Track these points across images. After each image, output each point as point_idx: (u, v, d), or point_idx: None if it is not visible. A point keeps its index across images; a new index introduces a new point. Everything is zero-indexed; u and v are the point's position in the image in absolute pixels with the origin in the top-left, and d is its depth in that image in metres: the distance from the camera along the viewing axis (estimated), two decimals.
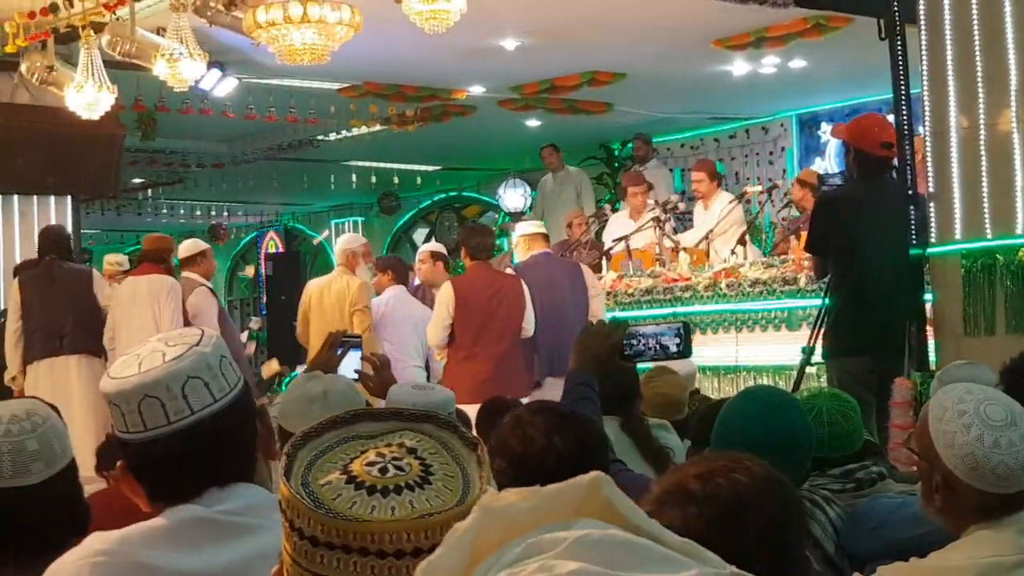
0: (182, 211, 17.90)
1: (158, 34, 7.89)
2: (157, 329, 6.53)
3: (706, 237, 8.61)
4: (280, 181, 15.14)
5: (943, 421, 2.20)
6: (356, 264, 7.55)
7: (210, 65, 8.23)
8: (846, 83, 11.34)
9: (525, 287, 6.76)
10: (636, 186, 9.75)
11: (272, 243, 18.58)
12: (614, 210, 10.47)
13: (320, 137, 12.88)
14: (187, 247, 7.60)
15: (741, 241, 8.20)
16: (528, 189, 14.18)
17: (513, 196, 14.40)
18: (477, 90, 11.33)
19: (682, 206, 9.82)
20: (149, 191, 15.98)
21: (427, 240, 15.11)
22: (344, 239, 7.92)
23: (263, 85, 10.34)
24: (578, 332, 3.03)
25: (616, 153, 14.08)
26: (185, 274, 7.43)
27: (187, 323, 6.91)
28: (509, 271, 7.31)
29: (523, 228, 7.43)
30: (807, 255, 6.39)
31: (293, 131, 12.39)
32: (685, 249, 8.58)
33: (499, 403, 3.84)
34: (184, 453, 1.67)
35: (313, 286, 7.55)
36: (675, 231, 9.34)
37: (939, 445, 2.20)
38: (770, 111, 12.98)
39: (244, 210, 18.33)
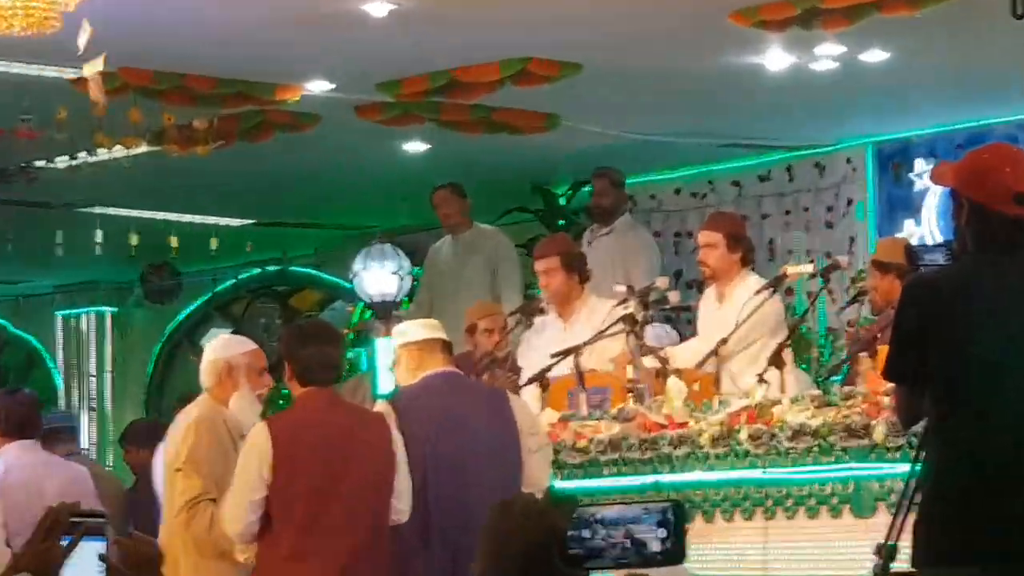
0: None
1: None
2: None
3: (715, 351, 8.69)
4: None
5: None
6: (235, 386, 7.48)
7: None
8: (956, 93, 11.64)
9: (397, 434, 6.76)
10: (542, 259, 9.69)
11: None
12: None
13: (40, 164, 12.85)
14: None
15: (777, 360, 8.28)
16: (406, 262, 14.23)
17: (378, 275, 14.43)
18: (320, 86, 11.43)
19: (673, 297, 9.89)
20: None
21: None
22: (213, 346, 7.84)
23: None
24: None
25: (562, 203, 14.21)
26: None
27: None
28: (380, 407, 7.32)
29: (407, 332, 7.53)
30: (887, 385, 6.48)
31: None
32: (679, 371, 8.65)
33: None
34: None
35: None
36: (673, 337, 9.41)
37: None
38: (828, 137, 13.25)
39: None
